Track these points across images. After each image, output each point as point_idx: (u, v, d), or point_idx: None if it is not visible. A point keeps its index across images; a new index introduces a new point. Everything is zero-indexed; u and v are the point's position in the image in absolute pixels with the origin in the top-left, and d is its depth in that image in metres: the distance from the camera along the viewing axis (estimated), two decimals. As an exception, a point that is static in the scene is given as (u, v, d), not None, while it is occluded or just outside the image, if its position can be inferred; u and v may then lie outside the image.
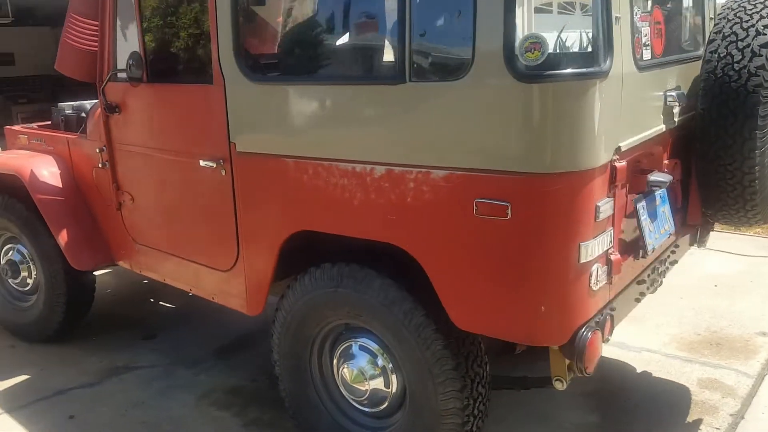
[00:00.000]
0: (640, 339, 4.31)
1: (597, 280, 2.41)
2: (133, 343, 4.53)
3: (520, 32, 2.19)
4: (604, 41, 2.24)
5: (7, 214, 4.31)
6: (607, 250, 2.46)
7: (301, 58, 2.94)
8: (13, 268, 4.46)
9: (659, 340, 4.31)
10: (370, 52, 2.77)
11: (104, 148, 3.75)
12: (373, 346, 2.86)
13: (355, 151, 2.61)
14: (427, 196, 2.45)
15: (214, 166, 3.11)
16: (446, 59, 2.41)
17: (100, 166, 3.83)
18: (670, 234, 2.87)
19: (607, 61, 2.24)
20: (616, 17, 2.28)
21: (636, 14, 2.52)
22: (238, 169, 3.03)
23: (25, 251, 4.41)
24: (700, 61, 2.90)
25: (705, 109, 2.88)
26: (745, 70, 2.72)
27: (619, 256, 2.51)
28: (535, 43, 2.14)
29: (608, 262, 2.47)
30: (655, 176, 2.66)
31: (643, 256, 2.66)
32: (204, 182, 3.22)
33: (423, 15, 2.39)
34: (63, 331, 4.45)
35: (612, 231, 2.47)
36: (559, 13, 2.19)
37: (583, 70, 2.20)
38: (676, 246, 3.26)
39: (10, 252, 4.49)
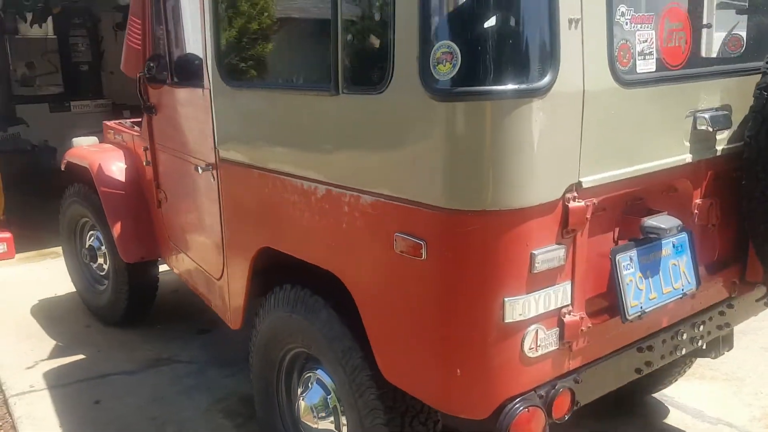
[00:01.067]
0: (724, 408, 3.56)
1: (535, 346, 1.94)
2: (187, 336, 4.62)
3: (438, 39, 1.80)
4: (542, 50, 1.77)
5: (85, 203, 4.60)
6: (560, 309, 1.98)
7: (254, 64, 2.74)
8: (92, 253, 4.75)
9: (748, 413, 3.52)
10: (308, 58, 2.51)
11: (147, 147, 3.84)
12: (327, 381, 2.59)
13: (299, 167, 2.37)
14: (358, 223, 2.14)
15: (207, 171, 3.03)
16: (373, 67, 2.08)
17: (145, 164, 3.93)
18: (686, 293, 2.26)
19: (548, 76, 1.77)
20: (572, 19, 1.79)
21: (624, 15, 1.98)
22: (221, 176, 2.92)
23: (102, 238, 4.68)
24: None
25: (751, 136, 2.24)
26: None
27: (578, 317, 2.01)
28: (448, 53, 1.75)
29: (560, 324, 1.99)
30: (652, 221, 2.10)
31: (625, 321, 2.10)
32: (201, 186, 3.16)
33: (353, 13, 2.09)
34: (128, 317, 4.66)
35: (568, 286, 1.98)
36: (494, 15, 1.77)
37: (506, 87, 1.74)
38: (729, 306, 2.59)
39: (92, 238, 4.79)
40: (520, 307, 1.88)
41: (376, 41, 2.12)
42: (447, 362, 1.95)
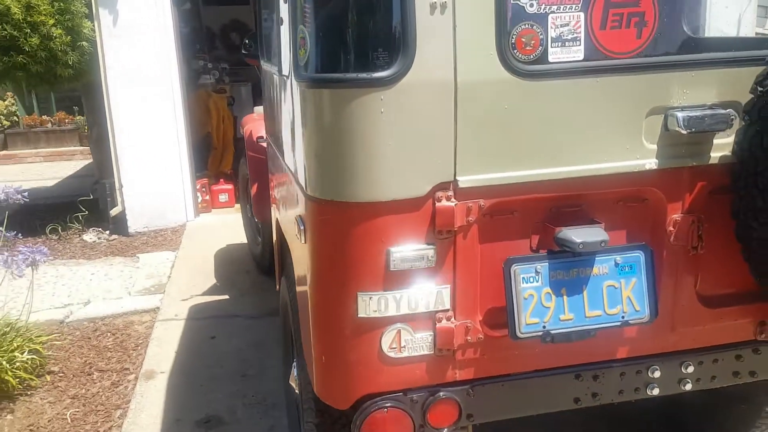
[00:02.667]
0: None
1: (398, 346, 1.85)
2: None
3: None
4: (389, 38, 1.65)
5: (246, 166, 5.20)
6: (435, 313, 1.85)
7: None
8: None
9: None
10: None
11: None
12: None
13: None
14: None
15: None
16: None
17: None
18: (627, 322, 1.90)
19: (396, 65, 1.65)
20: (435, 4, 1.64)
21: None
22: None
23: (255, 195, 5.26)
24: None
25: (738, 143, 1.81)
26: None
27: (458, 325, 1.85)
28: (302, 38, 1.73)
29: (434, 329, 1.86)
30: (567, 232, 1.82)
31: (515, 338, 1.86)
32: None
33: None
34: (272, 268, 5.19)
35: (447, 291, 1.84)
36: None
37: (345, 75, 1.67)
38: (754, 350, 2.11)
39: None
40: (375, 303, 1.80)
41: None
42: (316, 348, 1.95)
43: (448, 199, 1.76)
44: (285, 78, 2.07)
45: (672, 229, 1.93)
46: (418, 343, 1.86)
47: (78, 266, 6.00)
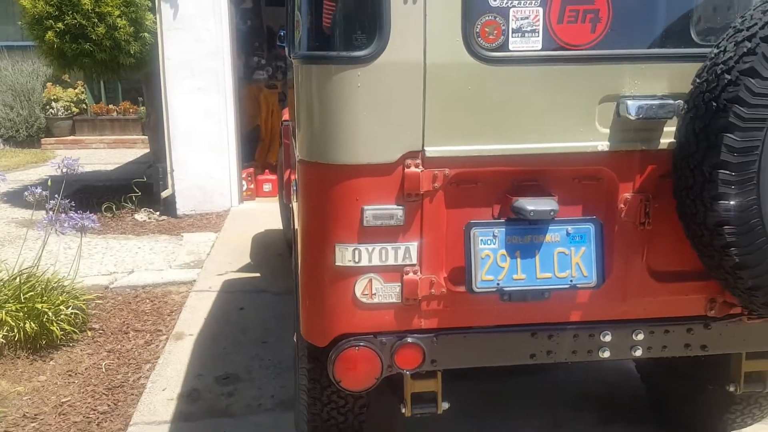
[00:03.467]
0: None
1: (370, 293, 2.11)
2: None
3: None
4: (367, 23, 1.93)
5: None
6: (403, 266, 2.11)
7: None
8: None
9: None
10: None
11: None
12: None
13: None
14: None
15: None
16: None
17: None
18: (576, 286, 2.11)
19: (372, 46, 1.93)
20: None
21: None
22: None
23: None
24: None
25: (677, 129, 2.03)
26: (729, 71, 1.81)
27: (423, 278, 2.11)
28: (297, 21, 2.03)
29: (401, 280, 2.12)
30: (521, 202, 2.05)
31: (472, 292, 2.09)
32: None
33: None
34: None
35: (414, 247, 2.10)
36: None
37: (329, 53, 1.95)
38: (705, 325, 2.29)
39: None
40: (349, 254, 2.08)
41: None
42: (302, 292, 2.24)
43: (416, 166, 2.02)
44: (291, 60, 2.37)
45: (623, 206, 2.14)
46: (387, 292, 2.12)
47: (127, 240, 6.47)
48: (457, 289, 2.14)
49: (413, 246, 2.09)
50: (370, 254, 2.08)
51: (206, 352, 4.12)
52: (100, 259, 5.88)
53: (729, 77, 1.77)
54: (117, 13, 6.65)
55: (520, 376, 3.68)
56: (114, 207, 7.46)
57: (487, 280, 2.08)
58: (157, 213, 7.51)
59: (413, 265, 2.10)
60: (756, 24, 1.77)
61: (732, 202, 1.80)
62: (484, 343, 2.24)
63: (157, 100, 7.54)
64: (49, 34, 6.65)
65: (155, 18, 6.98)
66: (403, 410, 2.40)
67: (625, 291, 2.21)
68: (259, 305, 4.76)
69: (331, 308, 2.15)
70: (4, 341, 4.00)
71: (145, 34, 6.99)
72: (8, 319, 3.98)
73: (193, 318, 4.62)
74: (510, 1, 1.98)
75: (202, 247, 6.17)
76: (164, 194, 7.48)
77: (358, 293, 2.11)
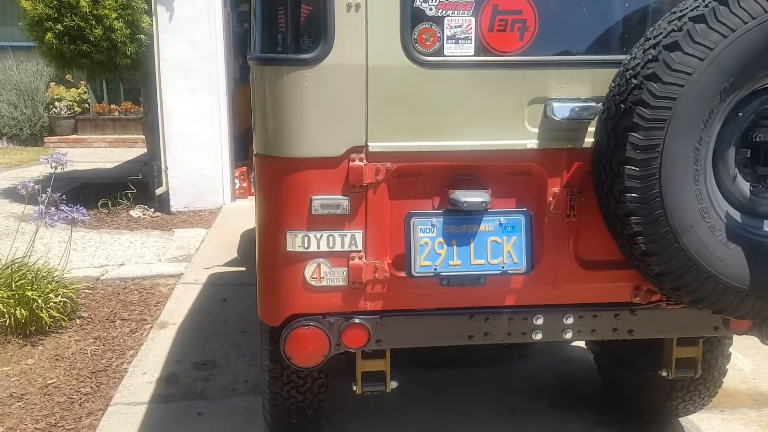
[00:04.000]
0: None
1: (318, 276, 2.31)
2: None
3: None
4: (312, 29, 2.13)
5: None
6: (349, 252, 2.30)
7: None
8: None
9: None
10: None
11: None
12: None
13: None
14: None
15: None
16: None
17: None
18: (507, 272, 2.30)
19: (317, 50, 2.13)
20: (351, 4, 2.11)
21: (427, 1, 2.16)
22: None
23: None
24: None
25: (595, 129, 2.22)
26: (636, 76, 2.00)
27: (367, 264, 2.30)
28: (253, 26, 2.23)
29: (348, 265, 2.31)
30: (459, 194, 2.24)
31: (411, 276, 2.28)
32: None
33: None
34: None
35: (359, 235, 2.29)
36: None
37: (278, 56, 2.16)
38: (631, 311, 2.47)
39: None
40: (299, 240, 2.27)
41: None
42: (258, 276, 2.44)
43: (360, 160, 2.22)
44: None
45: (551, 199, 2.33)
46: (334, 276, 2.31)
47: (120, 235, 6.68)
48: (399, 274, 2.32)
49: (359, 234, 2.28)
50: (319, 241, 2.27)
51: (187, 340, 4.31)
52: (93, 252, 6.09)
53: (635, 82, 1.96)
54: (114, 15, 6.88)
55: (478, 368, 3.87)
56: (110, 203, 7.68)
57: (425, 266, 2.27)
58: (152, 210, 7.72)
59: (359, 251, 2.30)
60: (661, 33, 1.97)
61: (637, 195, 1.99)
62: (426, 325, 2.42)
63: (153, 100, 7.76)
64: (49, 36, 6.89)
65: (151, 20, 7.21)
66: (354, 388, 2.60)
67: (555, 278, 2.40)
68: (241, 297, 4.96)
69: (283, 290, 2.34)
70: (-4, 326, 4.20)
71: (141, 36, 7.22)
72: (0, 305, 4.19)
73: (178, 308, 4.82)
74: (445, 11, 2.17)
75: (191, 243, 6.38)
76: (158, 191, 7.69)
77: (307, 277, 2.30)
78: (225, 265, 5.68)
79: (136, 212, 7.63)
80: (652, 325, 2.51)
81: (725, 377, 3.39)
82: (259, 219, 2.39)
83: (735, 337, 4.32)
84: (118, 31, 6.96)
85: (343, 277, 2.31)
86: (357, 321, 2.36)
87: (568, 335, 2.47)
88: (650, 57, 1.95)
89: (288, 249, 2.28)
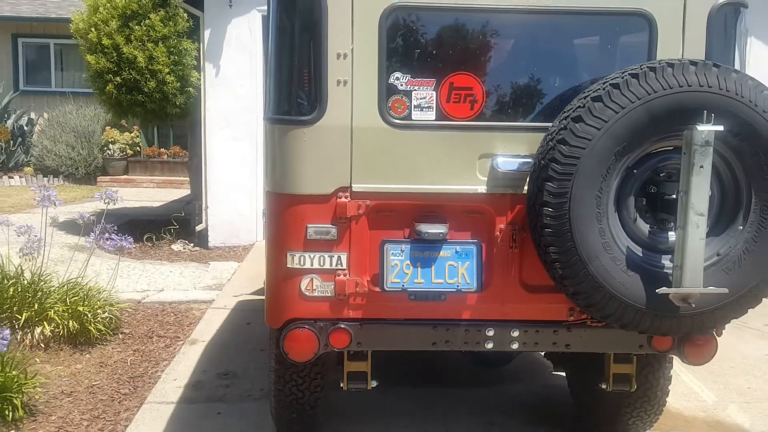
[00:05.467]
0: None
1: (311, 289, 2.92)
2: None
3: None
4: (311, 99, 2.81)
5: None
6: (335, 270, 2.92)
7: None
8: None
9: None
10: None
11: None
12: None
13: None
14: None
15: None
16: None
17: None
18: (461, 290, 2.88)
19: (313, 113, 2.80)
20: (340, 80, 2.78)
21: (399, 79, 2.81)
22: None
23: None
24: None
25: (528, 180, 2.81)
26: (552, 140, 2.61)
27: (349, 280, 2.90)
28: (267, 93, 2.93)
29: (334, 281, 2.93)
30: (422, 226, 2.84)
31: (384, 291, 2.87)
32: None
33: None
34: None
35: (344, 256, 2.90)
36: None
37: (284, 117, 2.85)
38: (567, 328, 3.00)
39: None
40: (297, 259, 2.90)
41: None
42: (266, 287, 3.07)
43: (345, 197, 2.85)
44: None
45: (498, 233, 2.91)
46: (324, 288, 2.92)
47: (161, 265, 7.43)
48: (375, 289, 2.92)
49: (343, 255, 2.90)
50: (312, 260, 2.90)
51: (213, 355, 4.95)
52: (137, 279, 6.83)
53: (551, 144, 2.57)
54: (166, 70, 7.76)
55: (460, 388, 4.41)
56: (154, 238, 8.46)
57: (395, 282, 2.87)
58: (191, 244, 8.47)
59: (343, 269, 2.91)
60: (571, 108, 2.58)
61: (552, 230, 2.58)
62: (397, 332, 3.00)
63: (198, 145, 8.59)
64: (109, 87, 7.80)
65: (199, 75, 8.08)
66: (341, 385, 3.18)
67: (503, 297, 2.97)
68: (263, 321, 5.56)
69: (283, 299, 2.96)
70: (51, 335, 4.90)
71: (190, 88, 8.09)
72: (56, 317, 4.90)
73: (208, 329, 5.47)
74: (412, 86, 2.82)
75: (224, 274, 7.07)
76: (198, 228, 8.45)
77: (302, 288, 2.92)
78: (252, 293, 6.33)
79: (177, 246, 8.39)
80: (586, 340, 3.04)
81: (684, 406, 3.89)
82: (267, 242, 3.03)
83: (703, 371, 4.80)
84: (170, 84, 7.83)
85: (331, 289, 2.92)
86: (342, 326, 2.96)
87: (515, 346, 3.02)
88: (562, 126, 2.56)
89: (288, 266, 2.91)
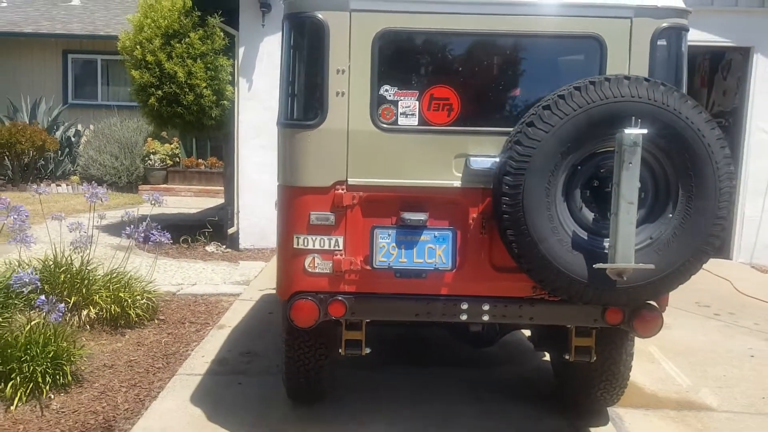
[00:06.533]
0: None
1: (313, 266, 3.47)
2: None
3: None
4: (315, 107, 3.38)
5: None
6: (333, 250, 3.48)
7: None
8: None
9: None
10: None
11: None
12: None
13: None
14: None
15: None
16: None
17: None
18: (438, 269, 3.40)
19: (316, 119, 3.37)
20: (339, 92, 3.35)
21: (388, 91, 3.37)
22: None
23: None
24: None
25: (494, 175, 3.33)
26: (510, 141, 3.15)
27: (345, 259, 3.45)
28: (280, 102, 3.53)
29: (332, 260, 3.48)
30: (406, 214, 3.38)
31: (373, 268, 3.40)
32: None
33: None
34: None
35: (341, 239, 3.46)
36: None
37: (293, 122, 3.43)
38: (531, 303, 3.47)
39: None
40: (302, 241, 3.46)
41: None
42: (277, 265, 3.64)
43: (342, 189, 3.40)
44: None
45: (471, 221, 3.43)
46: (324, 266, 3.47)
47: (195, 264, 8.09)
48: (366, 267, 3.46)
49: (340, 238, 3.46)
50: (314, 242, 3.46)
51: (238, 338, 5.55)
52: (173, 275, 7.49)
53: (510, 145, 3.11)
54: (204, 84, 8.46)
55: (454, 368, 4.92)
56: (189, 240, 9.13)
57: (382, 261, 3.41)
58: (224, 246, 9.12)
59: (340, 250, 3.46)
60: (527, 115, 3.11)
61: (509, 217, 3.10)
62: (386, 304, 3.53)
63: (231, 155, 9.27)
64: (152, 99, 8.53)
65: (234, 90, 8.76)
66: (340, 350, 3.73)
67: (475, 276, 3.48)
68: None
69: (290, 275, 3.53)
70: (96, 317, 5.56)
71: (225, 102, 8.77)
72: (100, 301, 5.55)
73: (234, 317, 6.08)
74: (399, 97, 3.38)
75: (252, 272, 7.70)
76: (230, 231, 9.11)
77: (306, 266, 3.48)
78: (275, 288, 6.92)
79: (210, 248, 9.05)
80: (547, 314, 3.53)
81: (659, 389, 4.34)
82: (278, 227, 3.61)
83: (684, 361, 5.22)
84: (207, 98, 8.53)
85: (330, 267, 3.48)
86: (339, 298, 3.50)
87: (486, 317, 3.52)
88: (519, 130, 3.10)
89: (294, 246, 3.48)
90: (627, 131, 2.92)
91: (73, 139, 15.98)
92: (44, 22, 17.24)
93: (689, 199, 3.06)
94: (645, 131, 2.93)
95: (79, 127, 16.36)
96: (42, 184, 14.06)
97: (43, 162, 15.16)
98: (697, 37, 8.36)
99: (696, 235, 3.07)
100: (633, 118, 2.94)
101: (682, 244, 3.08)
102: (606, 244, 3.12)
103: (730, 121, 9.28)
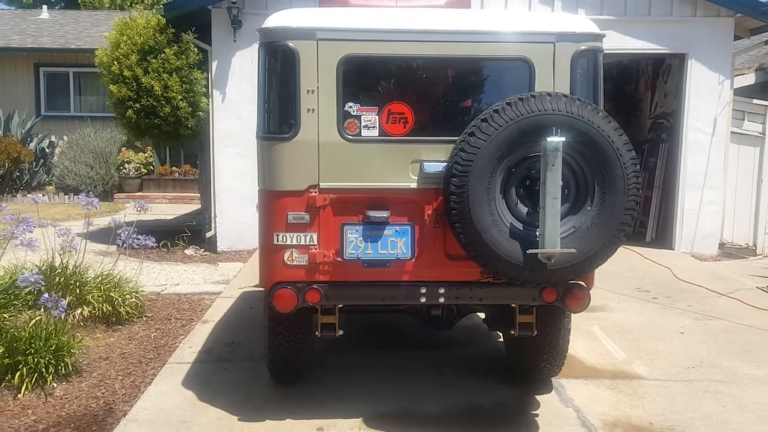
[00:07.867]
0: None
1: (291, 259, 4.03)
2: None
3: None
4: (289, 122, 3.95)
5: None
6: (308, 246, 4.04)
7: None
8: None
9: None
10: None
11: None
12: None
13: None
14: None
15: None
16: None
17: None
18: (400, 259, 3.99)
19: (291, 132, 3.93)
20: (309, 109, 3.92)
21: (351, 107, 3.95)
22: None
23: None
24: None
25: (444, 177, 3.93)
26: (456, 149, 3.75)
27: (319, 252, 4.01)
28: (258, 116, 4.09)
29: (308, 253, 4.05)
30: (371, 212, 3.96)
31: (343, 259, 3.98)
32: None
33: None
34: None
35: (315, 236, 4.02)
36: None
37: (270, 135, 4.00)
38: (479, 286, 4.04)
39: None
40: (281, 238, 4.00)
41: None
42: (259, 259, 4.20)
43: (315, 192, 3.95)
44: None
45: (426, 217, 4.00)
46: (301, 259, 4.03)
47: (176, 266, 8.57)
48: (337, 259, 4.03)
49: (314, 235, 4.02)
50: (291, 238, 4.01)
51: (221, 330, 6.07)
52: (156, 276, 7.97)
53: (455, 152, 3.70)
54: (180, 97, 8.96)
55: (420, 351, 5.52)
56: (169, 244, 9.60)
57: (351, 253, 3.98)
58: (202, 249, 9.61)
59: (314, 245, 4.02)
60: (470, 126, 3.71)
61: (456, 212, 3.69)
62: (355, 290, 4.09)
63: (207, 162, 9.76)
64: (129, 112, 8.99)
65: (208, 101, 9.27)
66: (316, 333, 4.30)
67: (431, 264, 4.05)
68: (262, 306, 6.70)
69: (271, 267, 4.08)
70: (89, 315, 6.04)
71: (200, 113, 9.28)
72: (93, 301, 6.04)
73: (217, 312, 6.59)
74: (361, 113, 3.96)
75: (231, 272, 8.21)
76: (208, 235, 9.60)
77: (285, 259, 4.03)
78: (254, 286, 7.43)
79: (189, 251, 9.53)
80: (494, 294, 4.13)
81: (598, 362, 4.97)
82: (260, 227, 4.16)
83: (622, 339, 5.88)
84: (183, 109, 9.03)
85: (306, 260, 4.03)
86: (314, 286, 4.05)
87: (442, 300, 4.10)
88: (462, 139, 3.70)
89: (274, 243, 4.03)
90: (549, 139, 3.54)
91: (47, 150, 16.27)
92: (14, 36, 17.48)
93: (603, 194, 3.68)
94: (564, 139, 3.55)
95: (53, 138, 16.64)
96: (18, 195, 14.36)
97: (18, 173, 15.42)
98: (638, 45, 9.14)
99: (611, 223, 3.70)
100: (554, 128, 3.56)
101: (600, 231, 3.71)
102: (537, 233, 3.73)
103: (670, 122, 10.04)
